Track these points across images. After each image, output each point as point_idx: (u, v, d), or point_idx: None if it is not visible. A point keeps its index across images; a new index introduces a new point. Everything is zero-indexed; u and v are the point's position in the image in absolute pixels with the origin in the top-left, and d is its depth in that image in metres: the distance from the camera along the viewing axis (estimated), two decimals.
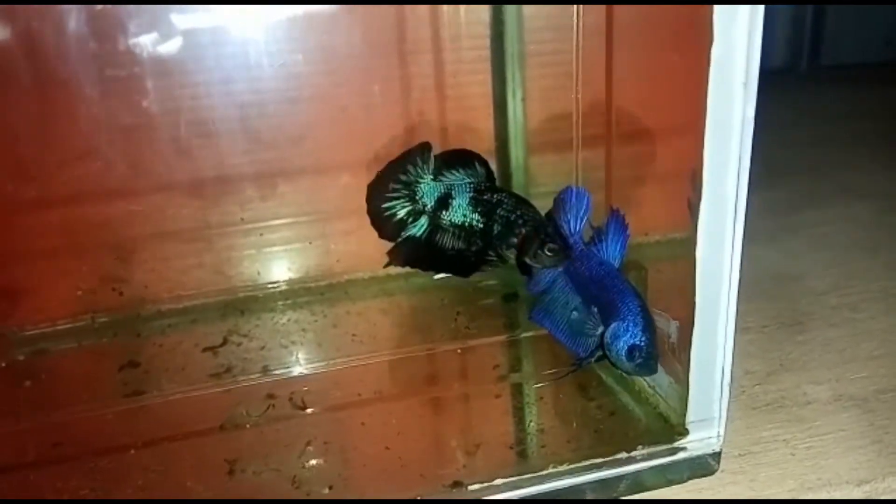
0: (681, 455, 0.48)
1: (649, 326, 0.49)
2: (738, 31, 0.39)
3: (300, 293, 0.74)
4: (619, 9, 0.53)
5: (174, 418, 0.57)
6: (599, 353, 0.52)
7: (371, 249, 0.73)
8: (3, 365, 0.64)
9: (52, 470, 0.51)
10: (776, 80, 1.81)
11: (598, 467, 0.47)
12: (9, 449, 0.54)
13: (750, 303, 0.69)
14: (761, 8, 0.39)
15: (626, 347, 0.49)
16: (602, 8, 0.55)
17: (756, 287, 0.71)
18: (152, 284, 0.70)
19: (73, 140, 0.65)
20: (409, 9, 0.67)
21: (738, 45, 0.40)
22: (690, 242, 0.44)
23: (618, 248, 0.54)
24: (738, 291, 0.68)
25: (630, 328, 0.49)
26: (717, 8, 0.39)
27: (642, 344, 0.49)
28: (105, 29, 0.62)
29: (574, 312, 0.56)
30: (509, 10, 0.68)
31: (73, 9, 0.60)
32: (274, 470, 0.49)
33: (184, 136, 0.67)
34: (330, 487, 0.47)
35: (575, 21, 0.59)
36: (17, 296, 0.67)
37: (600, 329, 0.51)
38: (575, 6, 0.58)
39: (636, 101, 0.54)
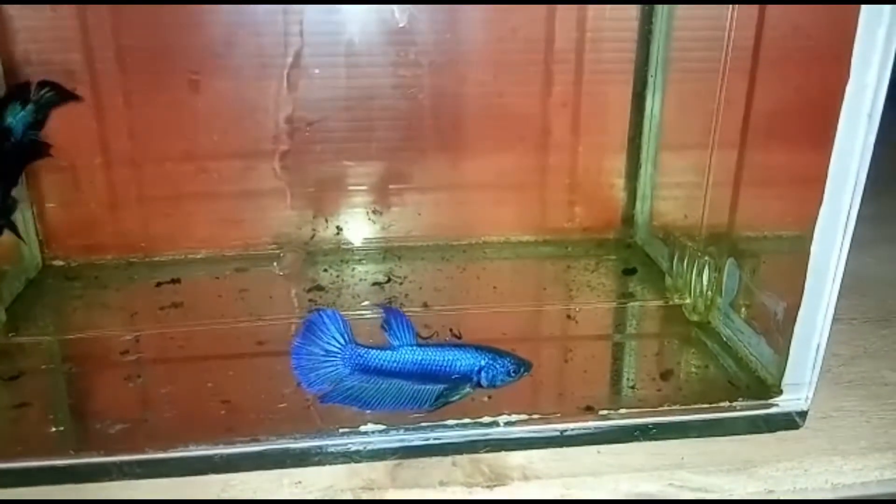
0: (773, 410, 0.59)
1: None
2: (871, 74, 0.49)
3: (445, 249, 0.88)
4: (768, 30, 0.63)
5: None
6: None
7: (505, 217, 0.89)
8: None
9: None
10: None
11: (704, 411, 0.59)
12: None
13: (842, 299, 0.77)
14: (891, 60, 0.49)
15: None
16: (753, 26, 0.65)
17: (850, 286, 0.79)
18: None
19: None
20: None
21: (868, 84, 0.49)
22: (803, 240, 0.54)
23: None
24: None
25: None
26: (855, 53, 0.49)
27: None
28: None
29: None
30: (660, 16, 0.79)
31: None
32: None
33: None
34: (489, 397, 0.60)
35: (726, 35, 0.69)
36: None
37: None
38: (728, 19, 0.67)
39: (772, 116, 0.64)
